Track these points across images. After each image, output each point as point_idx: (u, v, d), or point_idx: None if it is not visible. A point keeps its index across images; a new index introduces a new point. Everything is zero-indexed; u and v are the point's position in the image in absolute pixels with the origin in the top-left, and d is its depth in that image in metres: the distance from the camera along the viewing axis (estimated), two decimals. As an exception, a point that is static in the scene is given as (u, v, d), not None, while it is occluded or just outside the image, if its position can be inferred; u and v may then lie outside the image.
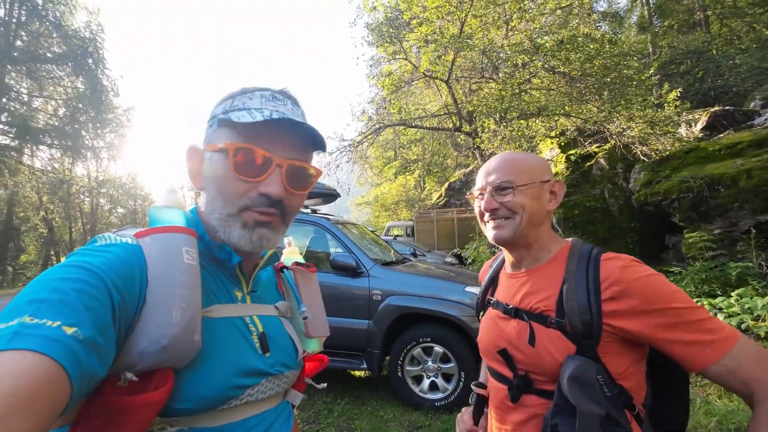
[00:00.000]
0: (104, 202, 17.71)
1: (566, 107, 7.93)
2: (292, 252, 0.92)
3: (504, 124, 7.40)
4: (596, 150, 8.98)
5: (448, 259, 9.76)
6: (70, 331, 0.43)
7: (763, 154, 6.03)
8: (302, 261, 0.89)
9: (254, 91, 0.68)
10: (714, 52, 14.38)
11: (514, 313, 0.88)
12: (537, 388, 0.81)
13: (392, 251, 4.62)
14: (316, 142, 0.69)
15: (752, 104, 10.64)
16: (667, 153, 7.53)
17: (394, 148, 16.08)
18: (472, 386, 1.02)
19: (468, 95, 9.19)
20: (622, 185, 8.54)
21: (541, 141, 9.30)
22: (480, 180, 0.96)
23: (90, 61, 15.53)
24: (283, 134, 0.65)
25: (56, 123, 15.23)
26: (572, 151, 9.49)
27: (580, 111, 7.99)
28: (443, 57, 7.43)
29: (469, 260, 9.37)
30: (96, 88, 15.58)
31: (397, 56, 7.76)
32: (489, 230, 0.93)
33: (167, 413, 0.55)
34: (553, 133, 9.21)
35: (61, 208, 15.81)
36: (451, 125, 9.38)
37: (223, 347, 0.62)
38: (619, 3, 19.59)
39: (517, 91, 7.24)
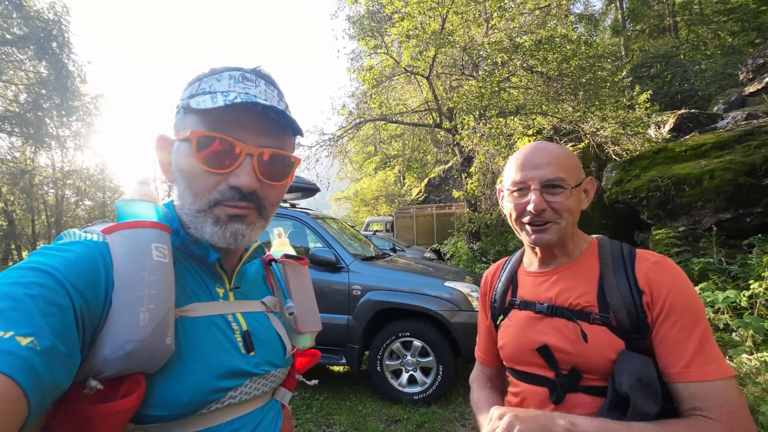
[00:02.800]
0: (70, 194, 16.85)
1: (543, 106, 8.10)
2: (282, 244, 0.88)
3: (483, 121, 7.49)
4: (571, 148, 9.23)
5: (427, 255, 9.85)
6: (25, 341, 0.39)
7: (725, 155, 6.35)
8: (293, 253, 0.85)
9: (223, 71, 0.61)
10: (682, 57, 15.02)
11: (551, 311, 0.83)
12: (585, 386, 0.77)
13: (372, 246, 4.62)
14: (292, 126, 0.63)
15: (716, 108, 11.18)
16: (637, 153, 7.82)
17: (375, 143, 16.03)
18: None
19: (448, 92, 9.25)
20: (594, 181, 8.81)
21: (519, 139, 9.48)
22: (517, 172, 0.85)
23: (54, 44, 14.70)
24: (253, 119, 0.59)
25: (17, 109, 14.38)
26: (548, 150, 9.70)
27: (557, 110, 8.18)
28: (424, 53, 7.44)
29: (448, 255, 9.49)
30: (61, 74, 14.77)
31: (379, 50, 7.71)
32: (527, 233, 0.85)
33: (141, 420, 0.52)
34: (530, 132, 9.40)
35: (23, 200, 14.98)
36: (431, 121, 9.43)
37: (201, 348, 0.58)
38: (594, 6, 20.13)
39: (497, 89, 7.34)
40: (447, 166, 15.19)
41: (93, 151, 16.65)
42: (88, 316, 0.48)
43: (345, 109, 9.22)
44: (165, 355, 0.52)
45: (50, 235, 15.30)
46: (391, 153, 17.99)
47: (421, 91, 9.11)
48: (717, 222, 5.87)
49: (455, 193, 9.06)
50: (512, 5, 7.77)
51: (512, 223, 0.90)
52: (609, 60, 8.73)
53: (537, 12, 8.37)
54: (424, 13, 7.53)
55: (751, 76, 7.86)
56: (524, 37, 7.66)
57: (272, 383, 0.69)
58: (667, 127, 9.50)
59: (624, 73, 8.42)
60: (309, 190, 4.50)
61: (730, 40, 15.43)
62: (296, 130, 0.65)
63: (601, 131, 8.13)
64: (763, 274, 3.70)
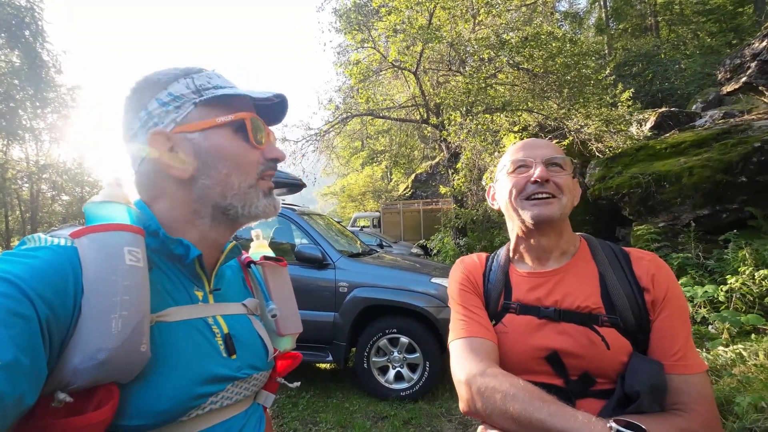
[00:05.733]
0: (46, 189, 16.25)
1: (529, 103, 8.17)
2: (260, 246, 0.87)
3: (470, 117, 7.51)
4: (556, 145, 9.34)
5: (414, 250, 9.87)
6: None
7: (703, 153, 6.52)
8: (271, 254, 0.84)
9: (200, 71, 0.66)
10: (663, 56, 15.34)
11: (559, 315, 0.79)
12: (596, 390, 0.75)
13: (358, 242, 4.59)
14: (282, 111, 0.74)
15: (694, 106, 11.48)
16: (619, 150, 7.97)
17: (362, 138, 15.92)
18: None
19: (435, 87, 9.23)
20: (579, 180, 8.95)
21: (504, 135, 9.55)
22: (518, 152, 0.86)
23: (27, 33, 14.10)
24: (259, 107, 0.70)
25: (-13, 100, 13.76)
26: (534, 146, 9.82)
27: (542, 107, 8.26)
28: (412, 48, 7.40)
29: (435, 251, 9.53)
30: (35, 64, 14.19)
31: (366, 45, 7.63)
32: (529, 208, 0.82)
33: (116, 431, 0.50)
34: (516, 128, 9.48)
35: (-5, 195, 14.41)
36: (418, 117, 9.41)
37: (180, 354, 0.56)
38: (579, 4, 20.35)
39: (483, 85, 7.35)
40: (434, 162, 15.23)
41: (70, 144, 16.08)
42: (56, 325, 0.45)
43: (332, 104, 9.13)
44: (140, 363, 0.50)
45: (25, 231, 14.76)
46: (378, 148, 17.93)
47: (408, 87, 9.07)
48: (695, 218, 6.03)
49: (442, 189, 9.10)
50: (499, 1, 7.78)
51: (510, 204, 0.86)
52: (593, 58, 8.85)
53: (524, 9, 8.41)
54: (412, 7, 7.48)
55: (728, 76, 8.06)
56: (511, 33, 7.68)
57: (254, 387, 0.68)
58: (648, 125, 9.70)
59: (607, 72, 8.54)
60: (294, 185, 4.44)
61: (708, 40, 15.83)
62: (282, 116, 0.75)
63: (585, 128, 8.25)
64: (739, 269, 3.81)
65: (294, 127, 8.96)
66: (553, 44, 7.74)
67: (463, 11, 7.78)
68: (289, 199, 4.82)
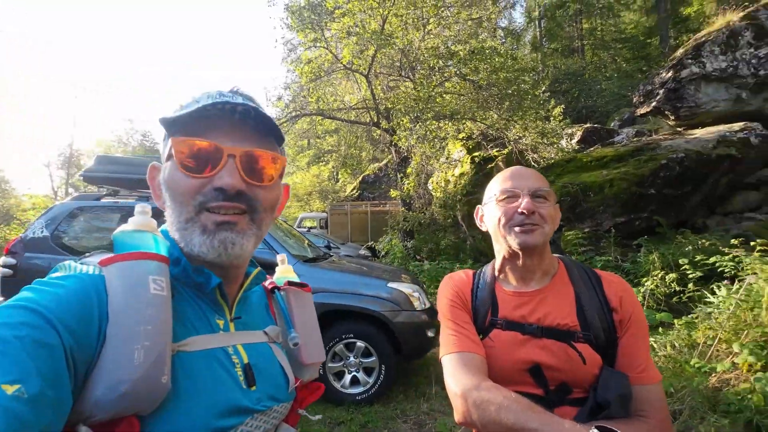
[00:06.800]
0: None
1: (474, 113, 8.62)
2: (285, 271, 0.84)
3: (420, 124, 7.74)
4: (496, 154, 9.95)
5: (362, 252, 9.93)
6: (10, 390, 0.37)
7: (621, 167, 7.36)
8: (296, 279, 0.81)
9: (202, 94, 0.62)
10: (587, 76, 16.98)
11: (541, 331, 0.88)
12: (572, 398, 0.84)
13: (309, 245, 4.54)
14: (274, 132, 0.63)
15: (612, 124, 12.87)
16: (552, 161, 8.70)
17: (308, 137, 15.61)
18: None
19: (386, 92, 9.38)
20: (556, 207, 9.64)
21: (450, 142, 9.96)
22: (507, 182, 0.93)
23: None
24: (234, 124, 0.59)
25: None
26: (476, 154, 10.37)
27: (485, 117, 8.76)
28: (365, 52, 7.46)
29: (383, 253, 9.66)
30: None
31: (318, 44, 7.54)
32: (516, 235, 0.90)
33: None
34: (461, 135, 9.95)
35: None
36: (368, 119, 9.49)
37: (200, 385, 0.55)
38: (516, 22, 21.82)
39: (433, 93, 7.62)
40: (382, 164, 15.44)
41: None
42: (80, 354, 0.45)
43: (280, 101, 8.87)
44: (161, 394, 0.49)
45: None
46: (326, 148, 17.73)
47: (360, 89, 9.12)
48: (614, 224, 6.79)
49: (393, 192, 9.26)
50: (449, 14, 8.12)
51: (499, 230, 0.93)
52: (530, 75, 9.56)
53: (470, 23, 8.85)
54: (365, 11, 7.53)
55: (641, 100, 9.19)
56: (459, 46, 8.05)
57: (274, 419, 0.66)
58: (576, 138, 10.70)
59: (543, 88, 9.28)
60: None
61: (624, 65, 17.84)
62: (279, 138, 0.64)
63: (523, 139, 8.89)
64: (651, 272, 4.37)
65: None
66: (497, 59, 8.25)
67: (415, 20, 7.99)
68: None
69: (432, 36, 8.60)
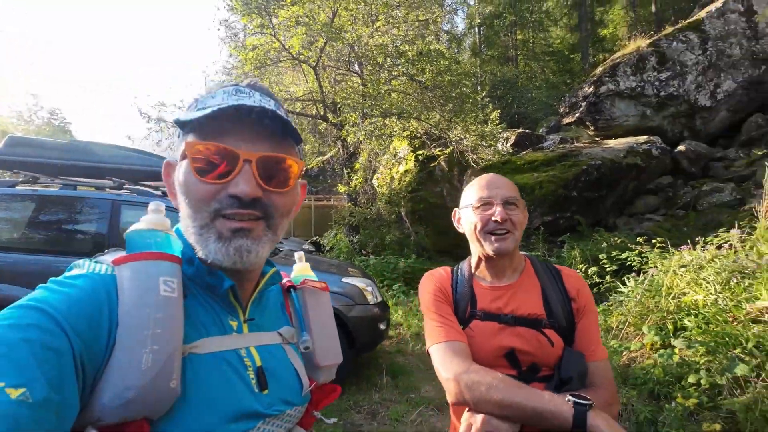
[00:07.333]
0: None
1: (419, 112, 8.90)
2: (302, 269, 0.81)
3: (368, 120, 7.81)
4: (439, 153, 10.38)
5: (306, 247, 9.79)
6: (15, 393, 0.37)
7: (550, 171, 8.11)
8: (314, 278, 0.79)
9: (217, 89, 0.60)
10: (520, 84, 18.26)
11: (514, 321, 1.00)
12: (540, 376, 0.97)
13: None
14: (292, 134, 0.61)
15: (540, 130, 14.04)
16: (490, 162, 9.29)
17: (247, 125, 14.77)
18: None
19: (333, 85, 9.29)
20: (457, 185, 10.16)
21: (396, 139, 10.17)
22: (481, 192, 1.04)
23: None
24: (249, 127, 0.57)
25: None
26: (420, 152, 10.72)
27: (429, 117, 9.08)
28: (315, 44, 7.32)
29: (328, 247, 9.62)
30: None
31: (265, 31, 7.24)
32: (490, 242, 1.01)
33: None
34: (406, 134, 10.20)
35: None
36: (315, 112, 9.34)
37: (210, 389, 0.54)
38: (458, 27, 22.74)
39: (381, 91, 7.73)
40: (325, 158, 15.26)
41: None
42: (89, 358, 0.45)
43: (222, 87, 8.39)
44: (170, 399, 0.49)
45: None
46: (266, 138, 16.94)
47: (307, 81, 8.93)
48: (543, 223, 7.48)
49: (341, 188, 9.23)
50: (399, 13, 8.26)
51: (475, 235, 1.04)
52: (472, 80, 10.08)
53: (416, 24, 9.09)
54: (315, 1, 7.39)
55: (567, 111, 10.18)
56: (408, 46, 8.24)
57: (287, 423, 0.64)
58: (510, 142, 11.53)
59: (484, 93, 9.84)
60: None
61: (552, 77, 19.47)
62: (297, 138, 0.63)
63: (464, 141, 9.38)
64: (575, 266, 4.91)
65: (173, 107, 7.96)
66: (442, 62, 8.59)
67: (365, 15, 8.02)
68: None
69: (380, 33, 8.71)
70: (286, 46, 7.35)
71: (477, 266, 1.12)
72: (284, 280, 0.77)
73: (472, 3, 21.00)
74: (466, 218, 1.10)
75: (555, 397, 0.82)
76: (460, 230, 1.15)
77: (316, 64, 7.80)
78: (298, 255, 0.88)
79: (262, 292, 0.69)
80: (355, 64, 9.16)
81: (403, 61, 8.08)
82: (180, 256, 0.57)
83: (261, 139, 0.58)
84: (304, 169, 0.66)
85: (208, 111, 0.54)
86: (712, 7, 9.22)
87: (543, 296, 1.04)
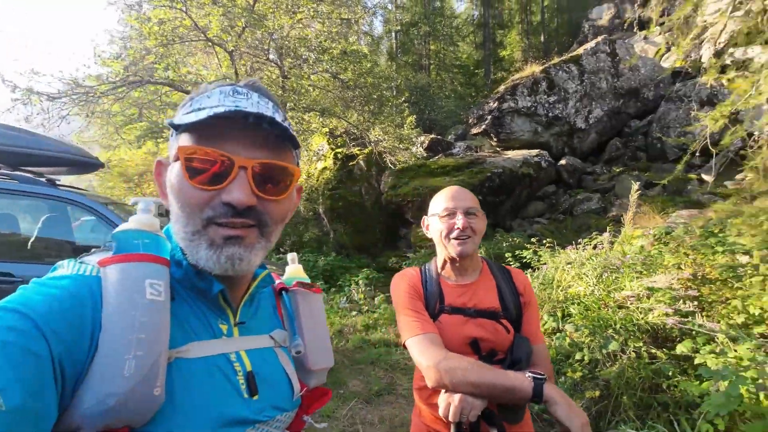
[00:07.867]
0: None
1: (340, 110, 8.94)
2: (295, 271, 0.80)
3: (288, 114, 7.59)
4: (358, 152, 10.55)
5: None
6: None
7: (460, 176, 8.84)
8: (306, 280, 0.79)
9: (214, 88, 0.58)
10: (431, 92, 19.43)
11: (476, 313, 1.17)
12: (497, 359, 1.14)
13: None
14: (290, 139, 0.58)
15: (449, 137, 15.18)
16: (407, 165, 9.76)
17: (140, 106, 13.17)
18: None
19: (250, 73, 8.79)
20: (375, 185, 10.45)
21: (315, 136, 10.05)
22: (447, 203, 1.20)
23: None
24: (246, 132, 0.55)
25: None
26: (340, 150, 10.76)
27: (349, 116, 9.19)
28: (233, 28, 6.85)
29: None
30: None
31: (174, 5, 6.53)
32: (454, 246, 1.17)
33: None
34: (325, 130, 10.14)
35: None
36: (228, 100, 8.70)
37: (198, 395, 0.53)
38: (377, 29, 23.22)
39: (305, 86, 7.58)
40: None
41: None
42: (69, 363, 0.43)
43: (119, 60, 7.34)
44: (153, 407, 0.47)
45: None
46: (163, 123, 15.19)
47: (220, 66, 8.29)
48: (453, 223, 8.13)
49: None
50: (323, 9, 8.17)
51: (441, 240, 1.22)
52: (391, 84, 10.46)
53: (339, 22, 9.10)
54: (234, -18, 6.92)
55: (475, 122, 11.20)
56: (332, 43, 8.20)
57: (277, 429, 0.63)
58: (424, 146, 12.24)
59: (403, 98, 10.27)
60: (86, 164, 3.51)
61: (459, 88, 21.11)
62: (295, 144, 0.61)
63: (382, 142, 9.69)
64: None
65: (53, 79, 6.72)
66: (365, 63, 8.76)
67: (288, 5, 7.77)
68: (69, 179, 3.74)
69: (302, 26, 8.51)
70: (200, 26, 6.74)
71: (443, 267, 1.28)
72: (276, 283, 0.76)
73: (390, 8, 21.64)
74: (433, 225, 1.25)
75: (517, 374, 1.00)
76: (429, 235, 1.29)
77: (233, 49, 7.30)
78: (291, 257, 0.87)
79: (254, 294, 0.67)
80: (275, 54, 8.80)
81: (327, 58, 8.02)
82: (168, 259, 0.54)
83: (258, 145, 0.56)
84: (298, 178, 0.63)
85: (203, 115, 0.52)
86: (588, 46, 11.05)
87: (498, 292, 1.23)
